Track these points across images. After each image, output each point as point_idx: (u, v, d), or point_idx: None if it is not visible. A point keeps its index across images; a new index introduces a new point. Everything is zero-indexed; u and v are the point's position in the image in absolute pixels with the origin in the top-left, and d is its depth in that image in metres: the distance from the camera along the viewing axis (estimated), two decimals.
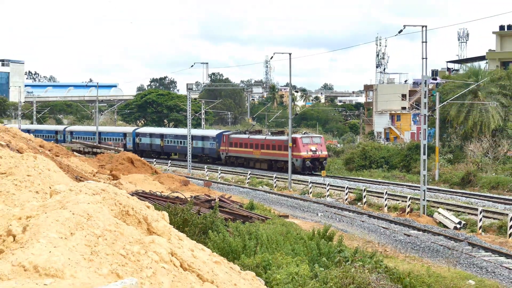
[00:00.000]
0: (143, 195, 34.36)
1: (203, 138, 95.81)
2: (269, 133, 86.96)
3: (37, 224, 8.89)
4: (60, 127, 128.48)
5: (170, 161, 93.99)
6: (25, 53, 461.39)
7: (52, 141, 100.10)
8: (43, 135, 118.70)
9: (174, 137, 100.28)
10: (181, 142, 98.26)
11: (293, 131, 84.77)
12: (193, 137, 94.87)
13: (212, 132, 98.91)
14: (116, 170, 55.90)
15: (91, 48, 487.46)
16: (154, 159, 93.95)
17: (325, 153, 78.75)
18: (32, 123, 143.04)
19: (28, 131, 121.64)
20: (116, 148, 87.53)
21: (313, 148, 77.03)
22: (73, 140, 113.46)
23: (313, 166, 76.98)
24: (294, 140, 75.55)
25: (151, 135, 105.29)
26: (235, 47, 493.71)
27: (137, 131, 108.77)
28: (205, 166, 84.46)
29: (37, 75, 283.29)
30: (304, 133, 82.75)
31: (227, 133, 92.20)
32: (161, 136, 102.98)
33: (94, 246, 8.78)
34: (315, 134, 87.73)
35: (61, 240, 8.57)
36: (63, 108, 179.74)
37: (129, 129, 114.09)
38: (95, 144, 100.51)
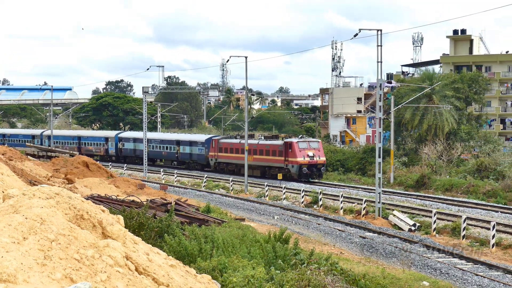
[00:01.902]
0: (98, 199, 34.09)
1: (191, 143, 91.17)
2: (262, 138, 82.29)
3: None
4: (37, 132, 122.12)
5: (126, 164, 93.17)
6: None
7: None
8: (19, 140, 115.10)
9: (159, 142, 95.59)
10: (167, 147, 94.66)
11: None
12: (180, 142, 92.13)
13: (201, 137, 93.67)
14: (71, 174, 55.38)
15: (45, 51, 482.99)
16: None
17: (323, 158, 73.60)
18: None
19: (3, 135, 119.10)
20: (71, 152, 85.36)
21: (310, 153, 72.21)
22: (50, 145, 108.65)
23: (311, 172, 72.22)
24: (290, 145, 72.48)
25: (135, 140, 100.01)
26: (189, 50, 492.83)
27: (120, 135, 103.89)
28: (161, 170, 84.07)
29: None
30: (301, 137, 77.31)
31: (216, 137, 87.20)
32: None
33: (48, 250, 8.70)
34: (313, 139, 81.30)
35: (13, 244, 8.48)
36: (17, 111, 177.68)
37: (111, 133, 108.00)
38: (48, 147, 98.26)
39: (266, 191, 63.28)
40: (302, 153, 71.84)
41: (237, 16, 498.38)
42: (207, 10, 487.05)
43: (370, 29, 51.65)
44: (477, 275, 31.80)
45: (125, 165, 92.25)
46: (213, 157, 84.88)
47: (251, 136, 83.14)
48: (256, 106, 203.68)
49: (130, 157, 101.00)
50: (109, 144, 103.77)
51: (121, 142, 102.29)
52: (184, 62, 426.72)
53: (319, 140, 79.47)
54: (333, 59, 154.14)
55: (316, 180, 72.28)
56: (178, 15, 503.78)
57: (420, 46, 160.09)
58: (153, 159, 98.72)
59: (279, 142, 75.04)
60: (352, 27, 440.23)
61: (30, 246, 8.61)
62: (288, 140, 74.09)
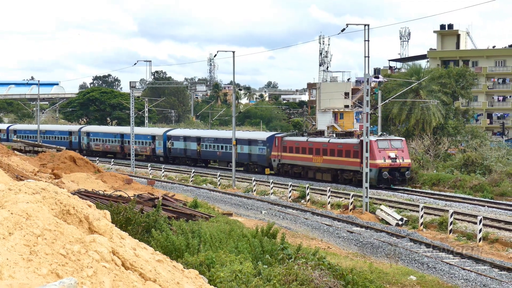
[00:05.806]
0: (85, 194, 33.98)
1: (250, 142, 79.45)
2: (334, 135, 70.73)
3: None
4: (74, 128, 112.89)
5: (113, 159, 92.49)
6: None
7: (65, 144, 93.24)
8: (54, 137, 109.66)
9: (213, 141, 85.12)
10: (222, 147, 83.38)
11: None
12: (237, 141, 76.49)
13: (262, 134, 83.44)
14: (58, 169, 55.20)
15: (31, 46, 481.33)
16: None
17: (407, 161, 61.92)
18: None
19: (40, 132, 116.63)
20: (58, 147, 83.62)
21: (392, 154, 60.81)
22: (90, 142, 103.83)
23: (392, 177, 60.64)
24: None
25: (186, 138, 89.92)
26: (174, 45, 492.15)
27: (168, 133, 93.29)
28: (149, 165, 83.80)
29: None
30: (380, 135, 64.86)
31: (280, 135, 76.10)
32: (198, 139, 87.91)
33: (33, 246, 8.65)
34: (395, 137, 65.85)
35: None
36: (3, 106, 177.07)
37: (159, 131, 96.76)
38: (36, 143, 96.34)
39: (254, 186, 63.27)
40: (382, 154, 60.84)
41: (222, 11, 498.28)
42: (191, 5, 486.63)
43: (357, 24, 51.89)
44: (464, 269, 31.94)
45: (112, 160, 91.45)
46: (276, 158, 73.73)
47: (320, 133, 75.38)
48: (244, 101, 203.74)
49: (180, 158, 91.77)
50: (156, 143, 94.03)
51: (170, 141, 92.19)
52: (169, 57, 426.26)
53: (403, 139, 65.84)
54: (321, 54, 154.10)
55: (400, 187, 61.12)
56: (163, 9, 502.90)
57: (407, 41, 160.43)
58: (206, 160, 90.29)
59: (354, 140, 63.89)
60: (336, 22, 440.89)
61: (15, 241, 8.55)
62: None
